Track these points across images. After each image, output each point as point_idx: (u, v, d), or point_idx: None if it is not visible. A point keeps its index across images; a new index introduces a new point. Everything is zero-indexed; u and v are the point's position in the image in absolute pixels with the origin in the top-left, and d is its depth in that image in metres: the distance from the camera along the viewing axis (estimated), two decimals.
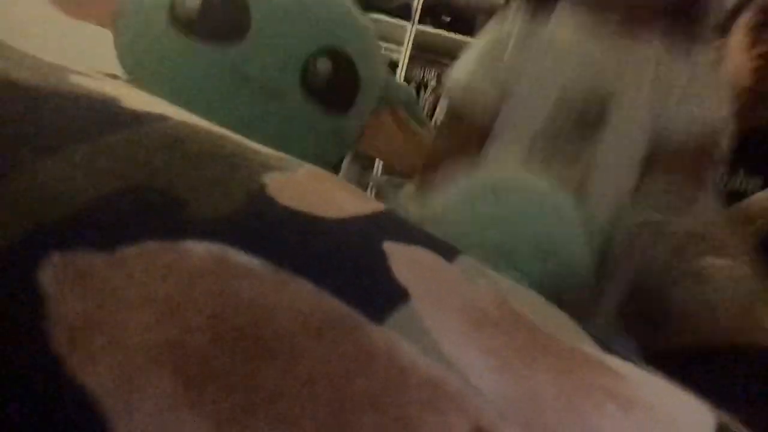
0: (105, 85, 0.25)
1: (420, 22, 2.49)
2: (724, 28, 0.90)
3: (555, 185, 0.49)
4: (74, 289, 0.16)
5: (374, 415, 0.15)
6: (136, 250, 0.17)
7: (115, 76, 0.47)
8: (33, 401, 0.14)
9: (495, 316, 0.21)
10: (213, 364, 0.15)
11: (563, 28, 0.62)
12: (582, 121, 0.59)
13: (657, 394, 0.20)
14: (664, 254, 0.51)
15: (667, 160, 0.58)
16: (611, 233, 0.56)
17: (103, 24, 0.52)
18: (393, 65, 2.54)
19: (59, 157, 0.19)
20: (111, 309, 0.16)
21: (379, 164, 2.28)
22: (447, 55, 2.44)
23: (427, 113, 2.36)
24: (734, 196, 0.78)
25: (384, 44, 2.65)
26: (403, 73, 2.49)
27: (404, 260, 0.21)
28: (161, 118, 0.23)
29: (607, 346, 0.22)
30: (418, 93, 2.61)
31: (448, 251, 0.24)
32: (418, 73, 2.62)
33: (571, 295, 0.46)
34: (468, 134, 0.65)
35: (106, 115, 0.23)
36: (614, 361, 0.21)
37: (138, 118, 0.23)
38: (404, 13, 2.50)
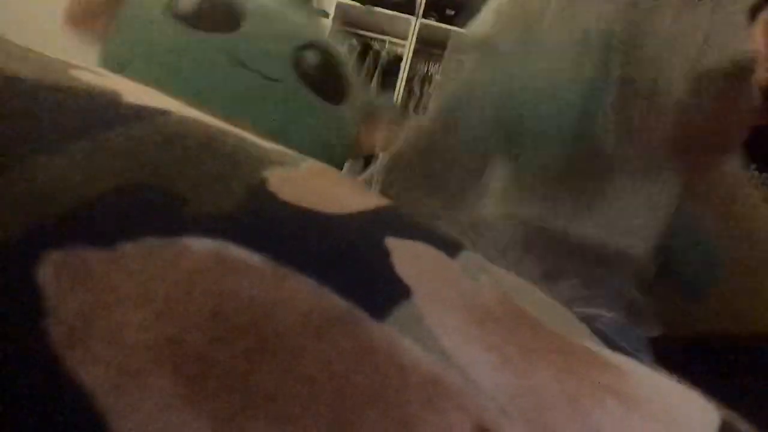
0: (106, 80, 0.25)
1: (424, 15, 2.49)
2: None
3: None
4: (73, 286, 0.16)
5: (375, 414, 0.15)
6: (135, 247, 0.17)
7: None
8: (31, 399, 0.14)
9: (497, 312, 0.20)
10: (212, 362, 0.15)
11: None
12: (603, 67, 0.60)
13: (659, 391, 0.20)
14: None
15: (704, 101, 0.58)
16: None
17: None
18: (397, 59, 2.54)
19: (58, 153, 0.19)
20: (110, 306, 0.16)
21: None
22: None
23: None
24: None
25: (388, 38, 2.64)
26: (407, 67, 2.48)
27: (407, 256, 0.21)
28: (162, 113, 0.23)
29: (610, 342, 0.22)
30: (422, 86, 2.60)
31: (450, 247, 0.23)
32: (422, 67, 2.62)
33: None
34: None
35: (107, 110, 0.22)
36: (617, 358, 0.21)
37: (139, 113, 0.23)
38: (408, 7, 2.49)
